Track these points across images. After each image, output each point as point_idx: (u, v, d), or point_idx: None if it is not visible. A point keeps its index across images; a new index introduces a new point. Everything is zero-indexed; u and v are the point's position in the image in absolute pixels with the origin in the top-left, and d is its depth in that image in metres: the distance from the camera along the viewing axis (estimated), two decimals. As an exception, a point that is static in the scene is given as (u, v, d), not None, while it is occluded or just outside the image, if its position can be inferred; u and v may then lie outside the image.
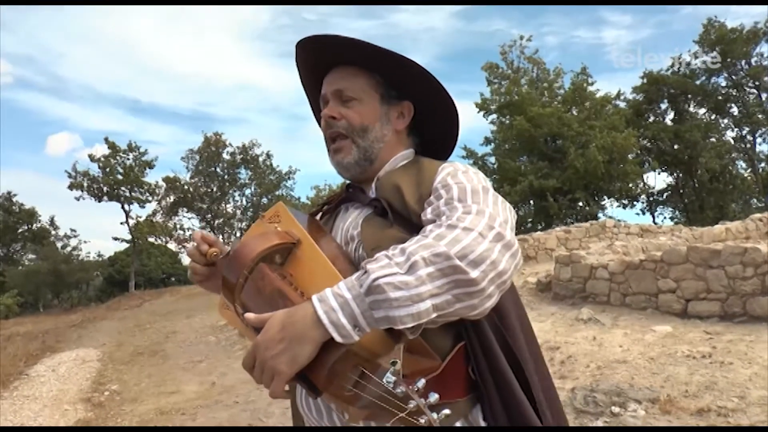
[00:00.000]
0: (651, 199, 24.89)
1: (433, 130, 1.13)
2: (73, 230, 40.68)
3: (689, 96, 22.71)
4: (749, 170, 23.38)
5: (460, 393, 0.87)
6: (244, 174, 27.32)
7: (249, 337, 0.86)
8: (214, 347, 8.39)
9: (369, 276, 0.71)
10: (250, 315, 0.78)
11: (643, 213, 24.73)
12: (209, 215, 27.01)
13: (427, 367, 0.82)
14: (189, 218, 27.48)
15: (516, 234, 0.84)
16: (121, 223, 26.11)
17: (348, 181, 1.12)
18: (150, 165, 26.01)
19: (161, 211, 26.87)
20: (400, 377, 0.70)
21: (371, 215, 0.97)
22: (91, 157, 25.05)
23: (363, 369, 0.74)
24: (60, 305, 26.41)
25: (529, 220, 20.71)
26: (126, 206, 25.84)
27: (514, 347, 0.92)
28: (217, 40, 64.94)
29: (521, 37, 21.95)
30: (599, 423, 3.29)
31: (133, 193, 25.78)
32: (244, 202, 27.80)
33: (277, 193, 26.99)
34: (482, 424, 0.88)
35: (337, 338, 0.71)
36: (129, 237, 26.48)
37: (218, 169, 26.81)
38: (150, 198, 26.41)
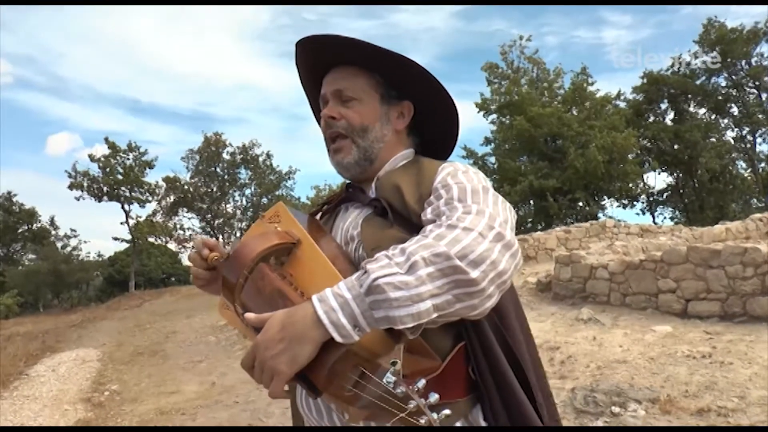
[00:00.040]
0: (651, 199, 24.90)
1: (433, 129, 1.12)
2: (73, 230, 40.77)
3: (689, 96, 22.71)
4: (749, 170, 23.38)
5: (460, 393, 0.87)
6: (244, 174, 27.37)
7: (249, 337, 0.86)
8: (214, 347, 8.39)
9: (369, 276, 0.71)
10: (249, 315, 0.78)
11: (643, 213, 24.79)
12: (209, 215, 27.02)
13: (427, 367, 0.82)
14: (189, 218, 27.55)
15: (516, 234, 0.84)
16: (121, 223, 26.18)
17: (348, 181, 1.12)
18: (150, 165, 26.04)
19: (161, 211, 26.90)
20: (400, 377, 0.70)
21: (371, 215, 0.97)
22: (91, 157, 25.08)
23: (363, 369, 0.74)
24: (60, 305, 26.42)
25: (529, 220, 20.71)
26: (126, 206, 25.87)
27: (514, 347, 0.92)
28: (217, 40, 65.05)
29: (521, 37, 21.97)
30: (599, 423, 3.29)
31: (133, 193, 25.79)
32: (244, 202, 27.83)
33: (277, 193, 26.99)
34: (482, 424, 0.88)
35: (337, 338, 0.70)
36: (129, 237, 26.50)
37: (218, 169, 26.81)
38: (150, 198, 26.45)
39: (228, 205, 27.70)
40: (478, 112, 21.79)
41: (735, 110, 23.03)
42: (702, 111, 23.36)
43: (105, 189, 25.09)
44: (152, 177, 28.96)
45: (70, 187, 24.90)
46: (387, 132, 1.05)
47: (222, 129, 57.26)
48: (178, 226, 27.23)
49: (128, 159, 25.54)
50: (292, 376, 0.73)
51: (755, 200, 24.01)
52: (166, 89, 65.98)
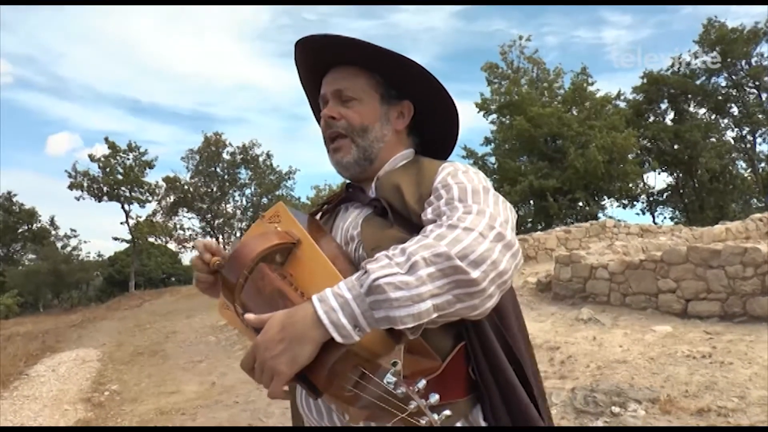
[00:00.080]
0: (651, 199, 24.91)
1: (433, 129, 1.12)
2: (73, 230, 40.73)
3: (689, 96, 22.71)
4: (749, 170, 23.39)
5: (460, 393, 0.87)
6: (244, 174, 27.37)
7: (249, 337, 0.86)
8: (214, 347, 8.39)
9: (369, 276, 0.71)
10: (249, 316, 0.78)
11: (643, 213, 24.79)
12: (209, 215, 27.02)
13: (427, 367, 0.82)
14: (189, 218, 27.55)
15: (516, 234, 0.84)
16: (121, 223, 26.16)
17: (348, 181, 1.12)
18: (150, 165, 26.03)
19: (161, 211, 26.91)
20: (400, 378, 0.69)
21: (371, 215, 0.97)
22: (91, 157, 25.07)
23: (363, 369, 0.74)
24: (60, 305, 26.42)
25: (529, 220, 20.71)
26: (126, 206, 25.86)
27: (514, 347, 0.92)
28: (217, 40, 65.00)
29: (521, 37, 21.99)
30: (599, 423, 3.29)
31: (133, 193, 25.79)
32: (244, 202, 27.84)
33: (277, 193, 27.00)
34: (482, 424, 0.88)
35: (338, 338, 0.70)
36: (129, 237, 26.49)
37: (218, 169, 26.82)
38: (150, 198, 26.44)
39: (228, 205, 27.76)
40: (478, 112, 21.83)
41: (735, 110, 23.05)
42: (702, 111, 23.38)
43: (105, 189, 25.08)
44: (152, 177, 29.02)
45: (70, 187, 24.90)
46: (387, 132, 1.05)
47: (222, 129, 57.34)
48: (178, 226, 27.29)
49: (128, 159, 25.55)
50: (292, 377, 0.73)
51: (755, 200, 24.02)
52: (166, 89, 66.05)
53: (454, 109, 1.09)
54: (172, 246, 30.26)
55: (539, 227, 17.83)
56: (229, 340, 8.56)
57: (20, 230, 34.04)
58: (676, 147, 22.32)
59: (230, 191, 27.41)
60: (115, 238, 27.49)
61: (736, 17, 46.25)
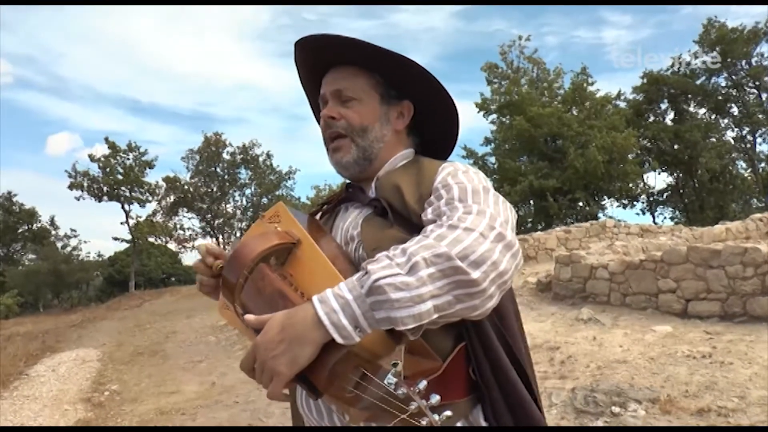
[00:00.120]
0: (651, 199, 24.91)
1: (433, 129, 1.12)
2: (73, 230, 40.74)
3: (689, 96, 22.71)
4: (749, 170, 23.39)
5: (460, 394, 0.87)
6: (244, 174, 27.39)
7: (249, 337, 0.85)
8: (214, 347, 8.39)
9: (370, 277, 0.71)
10: (249, 317, 0.77)
11: (643, 213, 24.79)
12: (209, 215, 27.03)
13: (428, 368, 0.82)
14: (189, 218, 27.57)
15: (516, 234, 0.84)
16: (121, 223, 26.17)
17: (348, 181, 1.12)
18: (150, 165, 26.03)
19: (161, 211, 26.92)
20: (401, 379, 0.69)
21: (371, 215, 0.97)
22: (91, 157, 25.08)
23: (364, 370, 0.74)
24: (60, 305, 26.42)
25: (529, 220, 20.72)
26: (126, 206, 25.86)
27: (515, 347, 0.92)
28: (217, 40, 64.95)
29: (520, 37, 21.98)
30: (599, 423, 3.29)
31: (133, 193, 25.79)
32: (244, 202, 27.85)
33: (277, 193, 27.00)
34: (483, 424, 0.88)
35: (338, 339, 0.70)
36: (129, 237, 26.49)
37: (218, 169, 26.82)
38: (150, 198, 26.45)
39: (228, 205, 27.77)
40: (478, 112, 21.83)
41: (735, 110, 23.05)
42: (702, 111, 23.37)
43: (105, 189, 25.08)
44: (152, 177, 29.01)
45: (70, 187, 24.91)
46: (387, 132, 1.05)
47: (222, 129, 57.33)
48: (178, 226, 27.31)
49: (128, 159, 25.55)
50: (292, 378, 0.73)
51: (755, 200, 24.03)
52: (166, 89, 66.00)
53: (454, 109, 1.09)
54: (172, 246, 30.34)
55: (539, 227, 17.83)
56: (229, 340, 8.56)
57: (20, 230, 34.05)
58: (676, 147, 22.33)
59: (230, 191, 27.42)
60: (115, 238, 27.55)
61: (736, 17, 46.28)
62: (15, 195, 33.33)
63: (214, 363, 7.22)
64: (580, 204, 19.96)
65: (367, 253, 0.89)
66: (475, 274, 0.72)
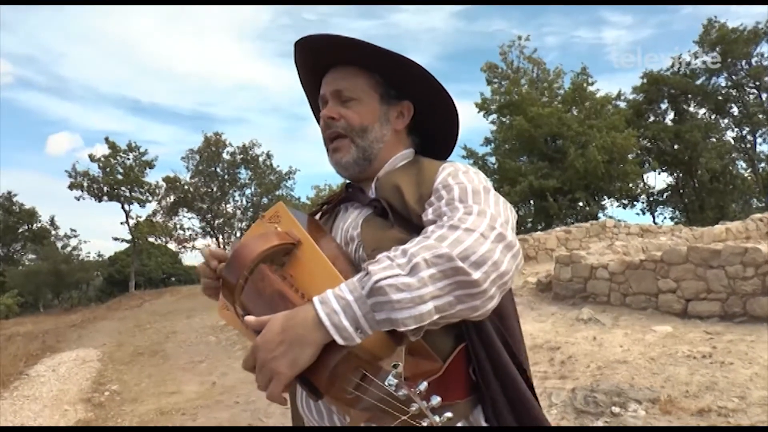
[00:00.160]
0: (651, 199, 24.90)
1: (433, 129, 1.12)
2: (73, 230, 40.62)
3: (689, 96, 22.69)
4: (749, 170, 23.37)
5: (461, 394, 0.87)
6: (244, 174, 27.35)
7: (249, 338, 0.85)
8: (214, 347, 8.39)
9: (371, 277, 0.71)
10: (249, 318, 0.77)
11: (643, 213, 24.78)
12: (209, 215, 27.01)
13: (428, 369, 0.82)
14: (189, 218, 27.52)
15: (516, 234, 0.84)
16: (121, 223, 26.10)
17: (348, 181, 1.11)
18: (150, 165, 25.99)
19: (161, 211, 26.88)
20: (402, 380, 0.69)
21: (371, 216, 0.97)
22: (92, 157, 25.03)
23: (364, 371, 0.74)
24: (60, 305, 26.40)
25: (529, 220, 20.71)
26: (126, 206, 25.82)
27: (515, 348, 0.92)
28: (217, 40, 64.88)
29: (520, 37, 21.97)
30: (599, 423, 3.29)
31: (133, 193, 25.76)
32: (244, 202, 27.82)
33: (277, 193, 26.98)
34: (483, 425, 0.88)
35: (339, 340, 0.70)
36: (129, 237, 26.47)
37: (218, 169, 26.80)
38: (150, 198, 26.40)
39: (228, 205, 27.72)
40: (478, 112, 21.81)
41: (735, 110, 23.02)
42: (702, 111, 23.34)
43: (105, 189, 25.05)
44: (152, 177, 28.96)
45: (70, 187, 24.88)
46: (386, 132, 1.05)
47: (222, 129, 57.26)
48: (178, 226, 27.27)
49: (128, 159, 25.51)
50: (292, 379, 0.72)
51: (755, 200, 24.01)
52: (166, 89, 65.88)
53: (454, 109, 1.09)
54: (172, 246, 30.26)
55: (539, 227, 17.83)
56: (230, 340, 8.56)
57: (20, 230, 34.03)
58: (676, 147, 22.31)
59: (230, 191, 27.39)
60: (115, 238, 27.51)
61: (736, 17, 46.21)
62: (15, 195, 33.35)
63: (215, 363, 7.22)
64: (580, 204, 19.96)
65: (367, 254, 0.89)
66: (476, 275, 0.72)
